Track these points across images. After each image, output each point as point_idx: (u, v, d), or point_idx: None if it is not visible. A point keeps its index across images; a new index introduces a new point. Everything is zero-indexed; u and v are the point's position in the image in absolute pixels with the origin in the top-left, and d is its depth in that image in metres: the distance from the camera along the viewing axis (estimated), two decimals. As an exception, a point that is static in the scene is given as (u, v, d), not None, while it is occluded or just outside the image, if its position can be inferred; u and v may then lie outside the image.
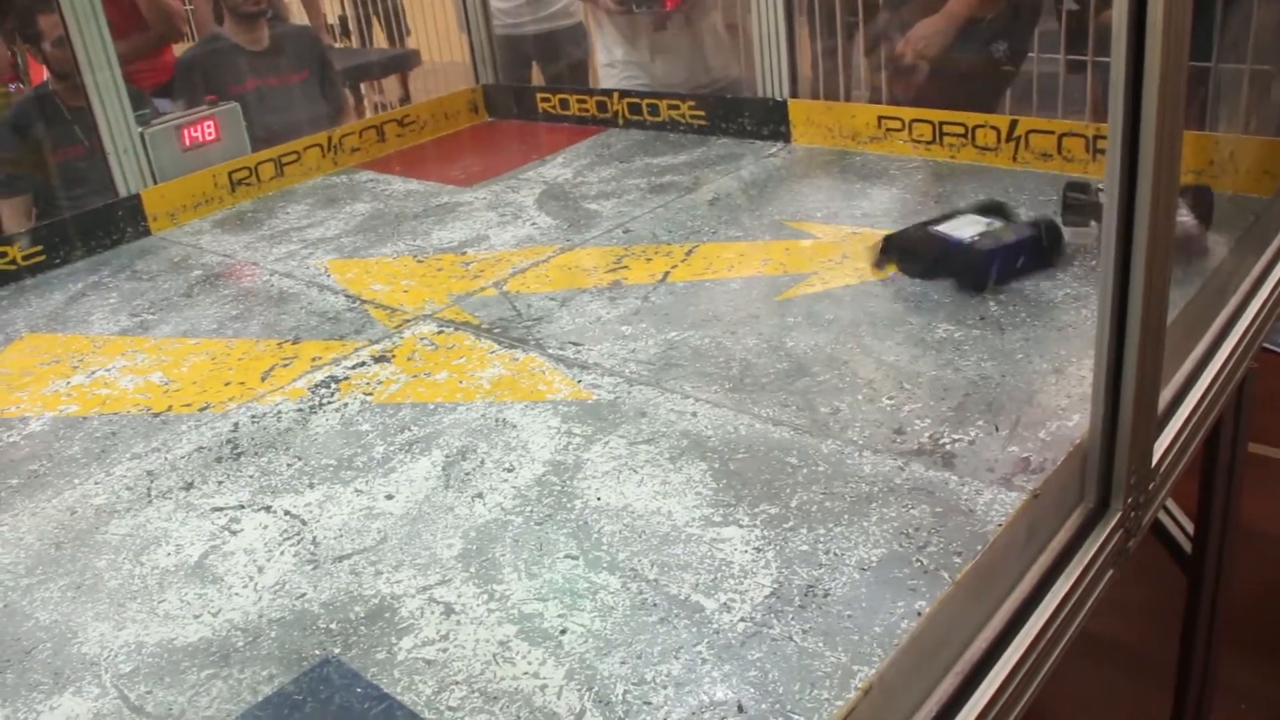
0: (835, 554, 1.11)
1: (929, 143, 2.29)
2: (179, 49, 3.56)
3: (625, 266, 1.91)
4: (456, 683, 1.00)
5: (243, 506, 1.32)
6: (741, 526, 1.17)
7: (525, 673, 1.00)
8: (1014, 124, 2.15)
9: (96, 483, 1.41)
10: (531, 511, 1.24)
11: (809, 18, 2.52)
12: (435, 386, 1.56)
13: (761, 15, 2.46)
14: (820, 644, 0.99)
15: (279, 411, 1.54)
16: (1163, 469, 1.20)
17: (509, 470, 1.33)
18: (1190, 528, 1.73)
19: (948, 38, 2.61)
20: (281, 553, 1.22)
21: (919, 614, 1.01)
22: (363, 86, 4.59)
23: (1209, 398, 1.34)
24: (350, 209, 2.42)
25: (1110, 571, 1.10)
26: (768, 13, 2.45)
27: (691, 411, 1.42)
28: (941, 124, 2.26)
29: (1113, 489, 1.10)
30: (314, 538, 1.24)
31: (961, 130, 2.22)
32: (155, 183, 2.42)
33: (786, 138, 2.51)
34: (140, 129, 2.40)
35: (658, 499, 1.23)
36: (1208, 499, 1.66)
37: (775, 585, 1.07)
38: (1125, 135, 0.94)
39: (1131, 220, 0.96)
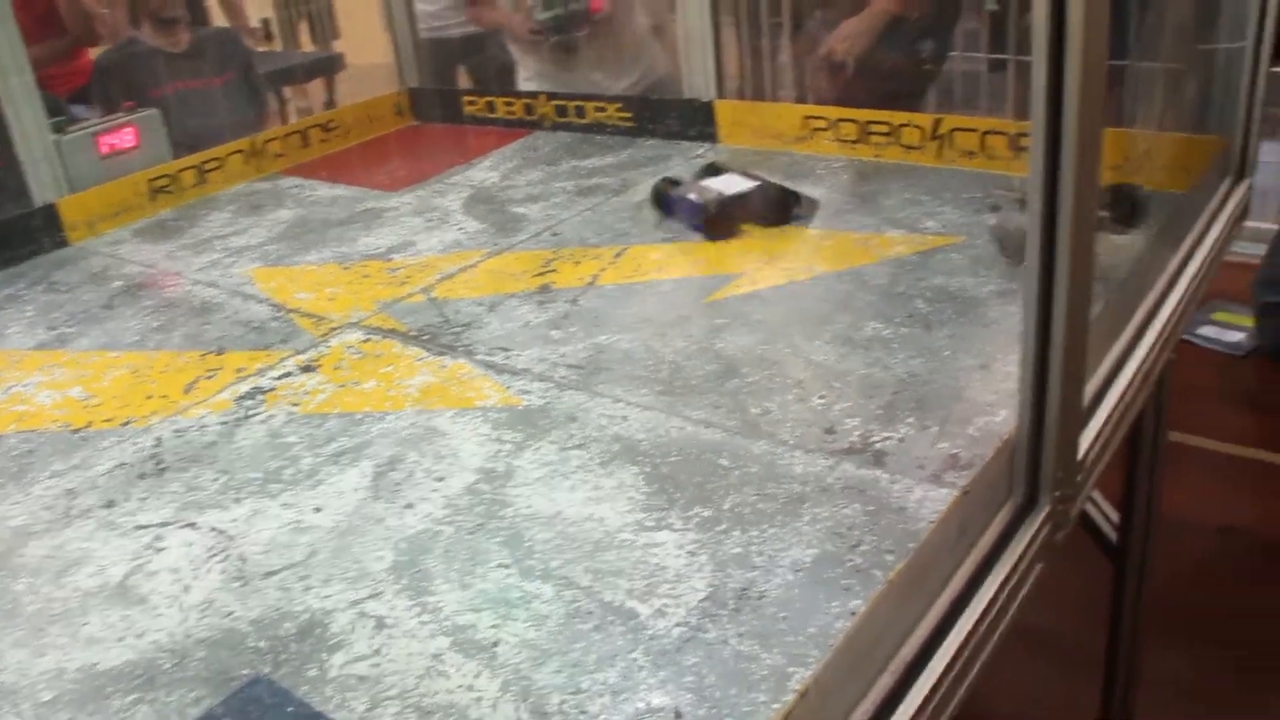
0: (769, 556, 1.11)
1: (854, 142, 2.30)
2: (94, 52, 3.49)
3: (554, 270, 1.90)
4: (390, 698, 0.98)
5: (167, 524, 1.29)
6: (675, 530, 1.17)
7: (460, 686, 0.99)
8: (938, 122, 2.17)
9: (14, 503, 1.37)
10: (462, 521, 1.23)
11: (735, 18, 2.53)
12: (363, 395, 1.54)
13: (687, 16, 2.46)
14: (756, 647, 0.99)
15: (203, 425, 1.51)
16: (1088, 462, 1.22)
17: (439, 479, 1.31)
18: (1116, 517, 1.76)
19: (872, 37, 2.64)
20: (208, 570, 1.19)
21: (853, 614, 1.02)
22: (287, 91, 4.52)
23: (1132, 391, 1.36)
24: (274, 216, 2.38)
25: (1039, 565, 1.12)
26: (693, 14, 2.46)
27: (622, 415, 1.41)
28: (867, 123, 2.28)
29: (1040, 484, 1.11)
30: (241, 554, 1.21)
31: (887, 129, 2.24)
32: (72, 192, 2.36)
33: (713, 138, 2.51)
34: (55, 136, 2.34)
35: (590, 505, 1.23)
36: (1131, 489, 1.69)
37: (710, 589, 1.07)
38: (1047, 133, 0.95)
39: (1054, 219, 0.98)
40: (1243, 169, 2.00)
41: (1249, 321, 3.38)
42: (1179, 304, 1.54)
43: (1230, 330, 3.38)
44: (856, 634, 0.87)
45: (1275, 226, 3.31)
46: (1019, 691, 2.13)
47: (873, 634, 0.89)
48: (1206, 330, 3.42)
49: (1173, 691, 2.13)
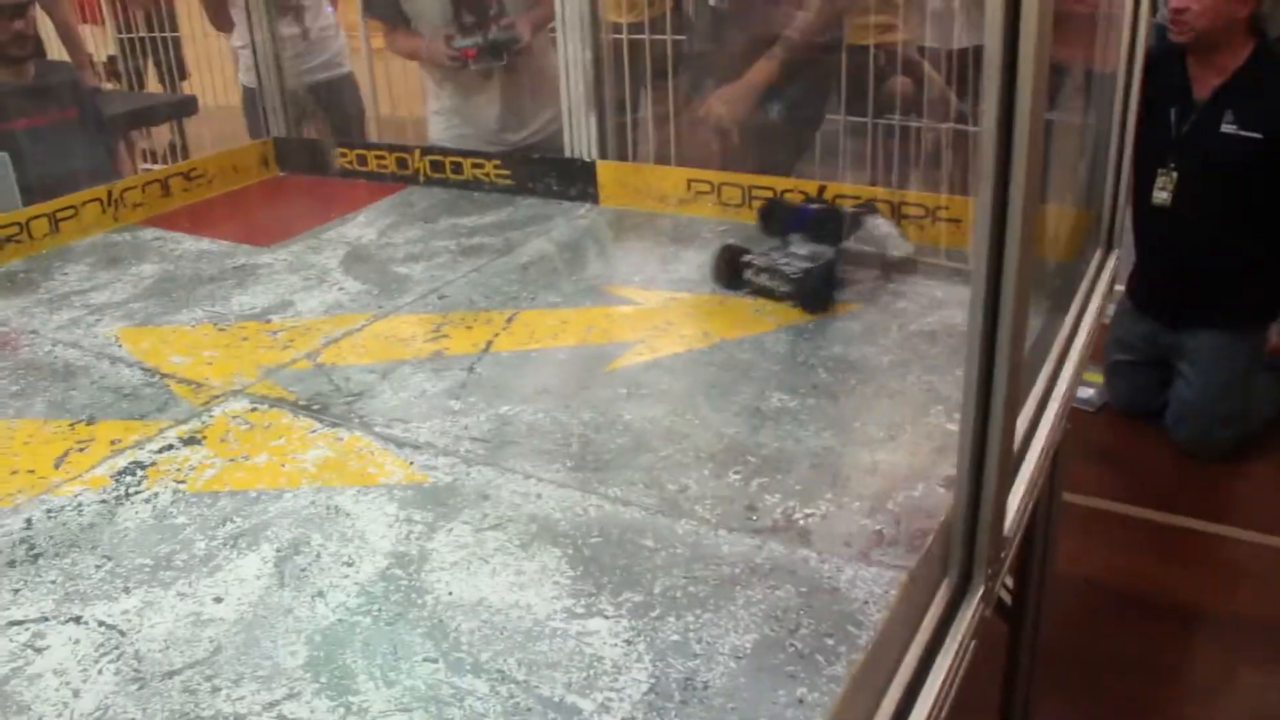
0: (708, 643, 1.08)
1: (738, 205, 2.32)
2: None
3: (445, 335, 1.84)
4: (320, 814, 0.91)
5: (46, 618, 1.18)
6: (607, 618, 1.13)
7: (396, 796, 0.93)
8: (822, 189, 2.21)
9: None
10: (380, 610, 1.16)
11: (616, 79, 2.53)
12: (255, 471, 1.45)
13: (570, 76, 2.45)
14: (707, 743, 0.96)
15: (79, 504, 1.40)
16: (1011, 536, 1.23)
17: (348, 564, 1.24)
18: (1010, 581, 1.80)
19: (747, 103, 2.68)
20: (99, 671, 1.09)
21: (800, 701, 1.00)
22: (134, 133, 4.33)
23: (1042, 459, 1.39)
24: (138, 270, 2.26)
25: (974, 644, 1.12)
26: (576, 73, 2.45)
27: (536, 493, 1.37)
28: (750, 188, 2.30)
29: (975, 563, 1.11)
30: (136, 651, 1.12)
31: (770, 193, 2.27)
32: (-92, 242, 2.20)
33: (594, 199, 2.50)
34: (-110, 183, 2.17)
35: (514, 590, 1.18)
36: (1027, 553, 1.72)
37: (652, 680, 1.04)
38: (994, 213, 0.96)
39: (997, 305, 0.98)
40: (1110, 240, 2.09)
41: (1098, 378, 3.53)
42: (1075, 371, 1.59)
43: (1083, 386, 3.52)
44: (828, 735, 0.85)
45: (1123, 289, 3.47)
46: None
47: (840, 732, 0.87)
48: (1058, 387, 3.55)
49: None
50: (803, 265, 1.87)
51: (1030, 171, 0.95)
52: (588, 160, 2.49)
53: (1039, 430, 1.41)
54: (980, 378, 1.03)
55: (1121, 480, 3.21)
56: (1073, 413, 3.11)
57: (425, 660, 1.08)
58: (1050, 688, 2.23)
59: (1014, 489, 1.29)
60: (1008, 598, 1.80)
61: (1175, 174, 3.18)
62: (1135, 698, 2.39)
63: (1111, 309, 3.43)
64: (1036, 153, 0.95)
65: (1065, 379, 1.55)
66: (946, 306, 1.83)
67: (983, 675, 1.98)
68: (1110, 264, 2.03)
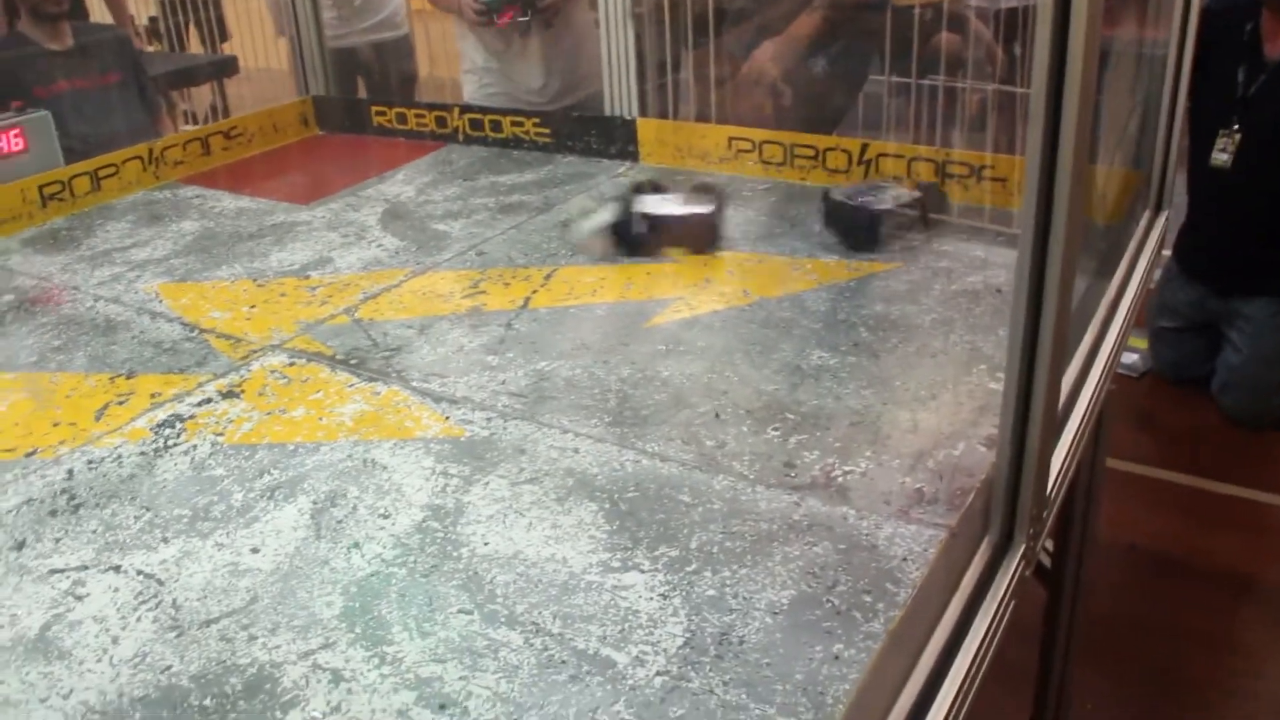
0: (744, 598, 1.07)
1: (780, 164, 2.29)
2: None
3: (483, 291, 1.83)
4: (355, 761, 0.91)
5: (87, 567, 1.19)
6: (643, 572, 1.12)
7: (430, 745, 0.92)
8: (864, 148, 2.17)
9: (-90, 543, 1.26)
10: (415, 562, 1.16)
11: (657, 36, 2.49)
12: (293, 425, 1.46)
13: (610, 33, 2.43)
14: (744, 696, 0.95)
15: (119, 455, 1.41)
16: (1053, 498, 1.21)
17: (385, 516, 1.24)
18: (1050, 544, 1.77)
19: (791, 58, 2.63)
20: (138, 619, 1.10)
21: (837, 658, 0.98)
22: (174, 94, 4.34)
23: (1085, 422, 1.36)
24: (178, 227, 2.26)
25: (1013, 604, 1.10)
26: (616, 30, 2.42)
27: (573, 448, 1.36)
28: (793, 146, 2.27)
29: (1017, 522, 1.10)
30: (174, 600, 1.13)
31: (812, 153, 2.24)
32: (-47, 199, 2.21)
33: (635, 157, 2.48)
34: (-65, 140, 2.18)
35: (550, 544, 1.17)
36: (1068, 516, 1.70)
37: (687, 634, 1.03)
38: (1042, 175, 0.93)
39: (1044, 262, 0.96)
40: (1160, 202, 2.05)
41: (1143, 344, 3.47)
42: (1120, 334, 1.56)
43: (1126, 352, 3.47)
44: (866, 689, 0.83)
45: (1169, 254, 3.41)
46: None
47: (879, 686, 0.86)
48: (1102, 352, 3.51)
49: (1094, 703, 2.16)
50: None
51: (1080, 129, 0.92)
52: (628, 118, 2.47)
53: (1083, 392, 1.39)
54: (1026, 335, 1.00)
55: (1165, 447, 3.16)
56: (1116, 378, 3.07)
57: (460, 612, 1.08)
58: (1089, 655, 2.21)
59: (1057, 449, 1.27)
60: (1047, 561, 1.77)
61: (1239, 135, 3.10)
62: (1177, 666, 2.36)
63: (1157, 275, 3.37)
64: (1087, 110, 0.92)
65: (1110, 341, 1.52)
66: (990, 267, 1.80)
67: (1019, 643, 1.97)
68: (1159, 226, 1.98)
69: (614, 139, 2.49)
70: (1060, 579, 1.74)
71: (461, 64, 3.12)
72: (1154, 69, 2.00)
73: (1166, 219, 2.05)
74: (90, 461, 1.40)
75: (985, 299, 1.69)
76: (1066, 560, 1.72)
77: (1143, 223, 1.95)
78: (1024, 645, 1.96)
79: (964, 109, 2.82)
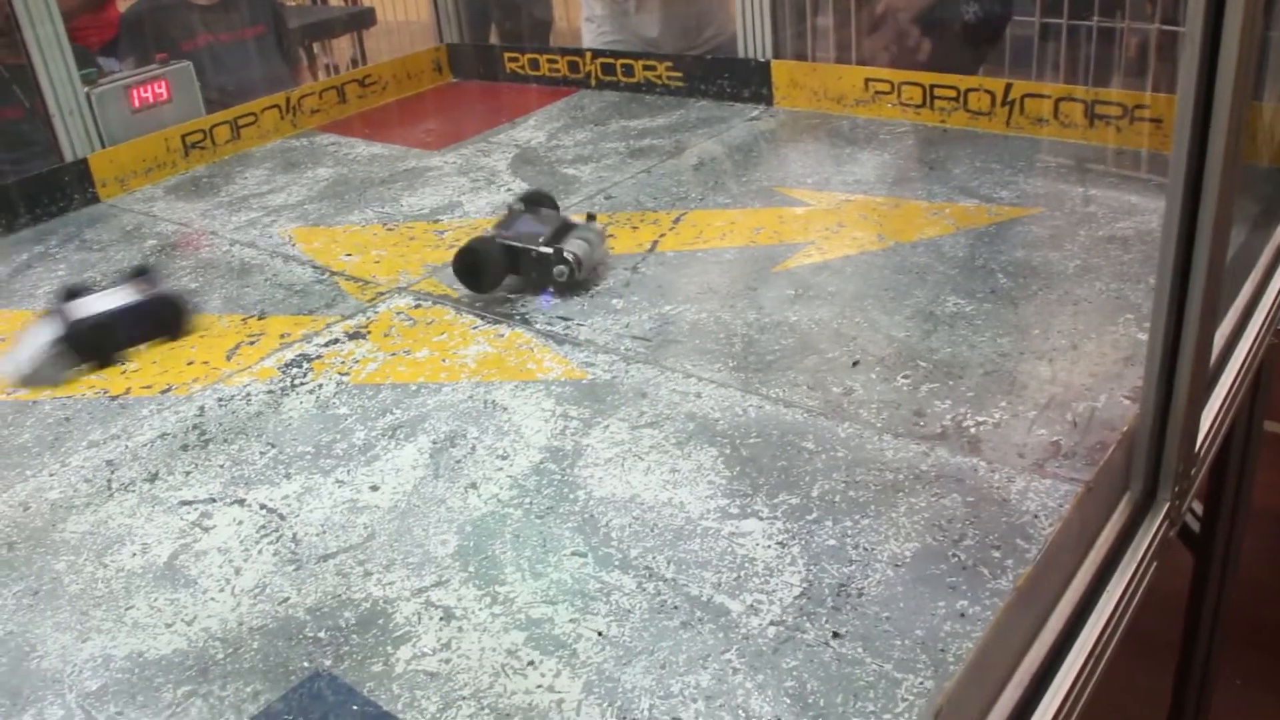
0: (865, 549, 1.03)
1: (919, 106, 2.20)
2: (122, 4, 3.39)
3: (611, 235, 1.81)
4: (463, 698, 0.91)
5: (214, 500, 1.22)
6: (761, 519, 1.09)
7: (539, 686, 0.91)
8: (1009, 88, 2.07)
9: (51, 474, 1.30)
10: (531, 503, 1.15)
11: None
12: (416, 365, 1.46)
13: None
14: (860, 650, 0.91)
15: (248, 394, 1.43)
16: (1202, 455, 1.13)
17: (503, 457, 1.24)
18: (1198, 507, 1.68)
19: (929, -1, 2.53)
20: (260, 552, 1.12)
21: (961, 615, 0.94)
22: (315, 46, 4.42)
23: (1240, 378, 1.27)
24: (313, 174, 2.30)
25: (1155, 565, 1.03)
26: (749, -31, 2.36)
27: (695, 392, 1.33)
28: (932, 87, 2.18)
29: (1160, 479, 1.03)
30: (294, 534, 1.14)
31: (953, 94, 2.14)
32: (103, 146, 2.28)
33: (769, 100, 2.42)
34: (86, 89, 2.25)
35: (667, 489, 1.15)
36: (1219, 479, 1.60)
37: (804, 584, 0.99)
38: (1196, 111, 0.86)
39: (1197, 205, 0.88)
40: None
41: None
42: (1283, 282, 1.45)
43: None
44: (988, 647, 0.79)
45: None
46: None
47: (1001, 645, 0.81)
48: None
49: (1243, 680, 2.05)
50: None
51: (1242, 58, 0.84)
52: (762, 60, 2.40)
53: (1238, 347, 1.29)
54: (1175, 281, 0.93)
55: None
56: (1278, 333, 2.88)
57: (574, 554, 1.06)
58: (1239, 630, 2.09)
59: (1208, 405, 1.18)
60: (1195, 525, 1.67)
61: None
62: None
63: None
64: (1250, 36, 0.84)
65: (1272, 293, 1.42)
66: (1140, 213, 1.70)
67: (1160, 617, 1.88)
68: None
69: (748, 82, 2.43)
70: (1210, 546, 1.64)
71: (583, 11, 3.08)
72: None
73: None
74: (220, 399, 1.43)
75: (1135, 246, 1.59)
76: (1217, 526, 1.62)
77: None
78: (1165, 619, 1.87)
79: (1123, 51, 2.67)
